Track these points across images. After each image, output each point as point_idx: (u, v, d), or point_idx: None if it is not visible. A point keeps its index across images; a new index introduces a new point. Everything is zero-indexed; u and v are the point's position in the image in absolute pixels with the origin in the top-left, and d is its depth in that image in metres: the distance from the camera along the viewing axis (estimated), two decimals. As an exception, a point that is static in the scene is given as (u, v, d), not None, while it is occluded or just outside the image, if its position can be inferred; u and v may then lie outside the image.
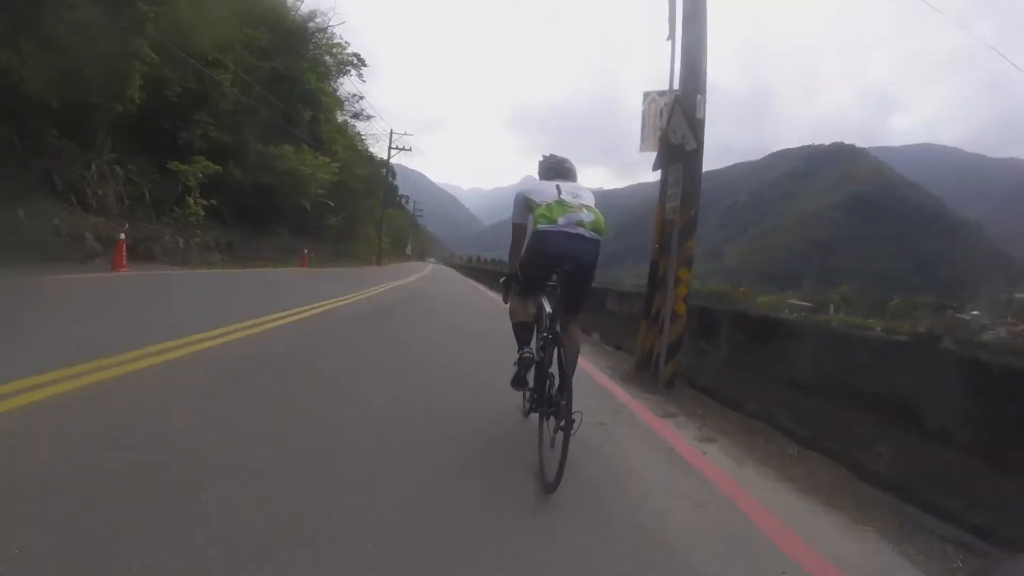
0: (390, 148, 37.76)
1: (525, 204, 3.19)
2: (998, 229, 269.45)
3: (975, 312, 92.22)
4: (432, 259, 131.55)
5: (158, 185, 16.81)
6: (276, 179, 21.33)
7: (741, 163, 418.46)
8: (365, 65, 37.88)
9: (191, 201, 16.20)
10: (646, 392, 5.46)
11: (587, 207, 2.97)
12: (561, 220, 2.88)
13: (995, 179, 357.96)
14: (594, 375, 6.18)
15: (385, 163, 39.03)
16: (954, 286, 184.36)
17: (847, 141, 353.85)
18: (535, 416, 3.08)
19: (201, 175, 16.71)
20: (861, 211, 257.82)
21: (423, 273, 33.26)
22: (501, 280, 3.71)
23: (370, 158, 41.54)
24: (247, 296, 9.91)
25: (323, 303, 9.16)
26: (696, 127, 5.77)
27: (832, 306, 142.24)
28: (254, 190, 21.23)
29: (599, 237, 2.93)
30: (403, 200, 54.49)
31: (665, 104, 6.71)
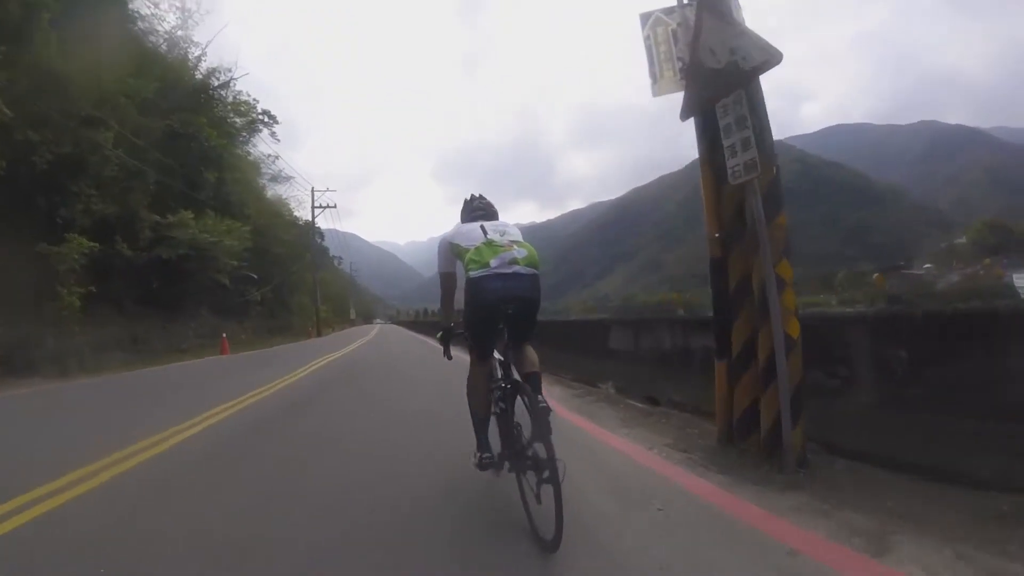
0: (313, 207, 34.96)
1: (451, 250, 3.04)
2: (921, 188, 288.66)
3: (927, 266, 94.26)
4: (379, 320, 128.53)
5: (37, 275, 13.46)
6: (176, 252, 18.03)
7: (665, 175, 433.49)
8: (276, 122, 35.31)
9: (63, 292, 12.85)
10: (767, 487, 3.20)
11: (517, 242, 2.84)
12: (493, 262, 2.71)
13: (908, 144, 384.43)
14: (645, 460, 3.97)
15: (310, 224, 35.99)
16: (892, 249, 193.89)
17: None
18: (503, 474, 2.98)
19: (77, 257, 13.43)
20: (788, 198, 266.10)
21: (368, 337, 30.16)
22: (438, 335, 3.44)
23: (294, 222, 38.56)
24: (107, 415, 6.97)
25: (217, 408, 6.34)
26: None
27: None
28: (153, 269, 17.98)
29: (536, 271, 2.81)
30: (337, 261, 51.07)
31: (678, 24, 4.58)
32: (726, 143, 3.87)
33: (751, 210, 3.74)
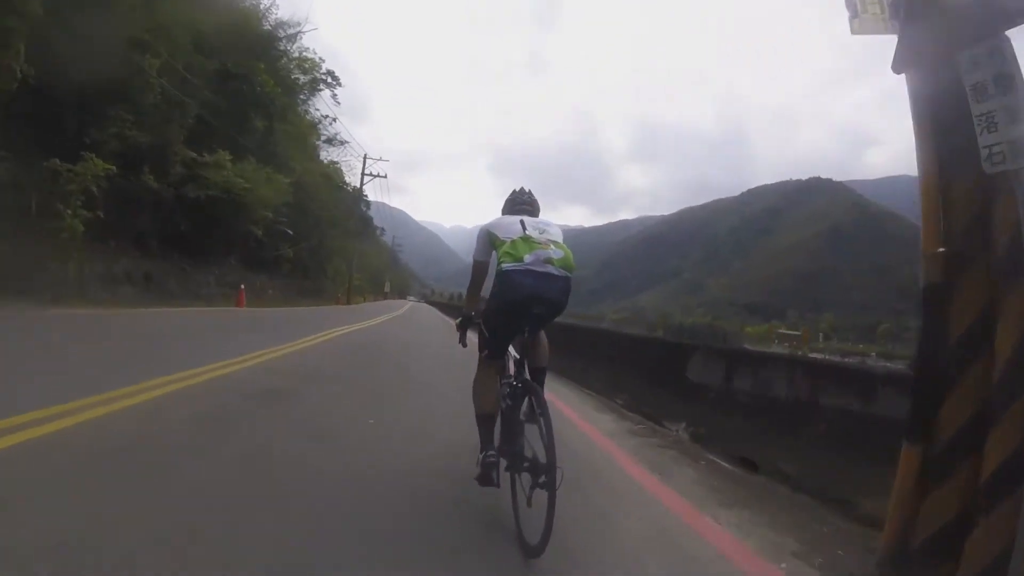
0: (363, 174, 33.87)
1: (488, 240, 2.91)
2: None
3: None
4: (412, 297, 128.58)
5: (51, 194, 12.46)
6: (206, 192, 16.91)
7: (719, 199, 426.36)
8: (339, 84, 34.56)
9: (67, 213, 11.74)
10: None
11: (555, 243, 2.72)
12: (528, 258, 2.62)
13: None
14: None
15: (358, 191, 34.93)
16: None
17: (823, 176, 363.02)
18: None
19: (91, 179, 12.32)
20: (841, 243, 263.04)
21: (397, 312, 29.02)
22: (457, 321, 3.31)
23: (342, 186, 37.68)
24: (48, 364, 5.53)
25: (167, 378, 4.77)
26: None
27: (821, 334, 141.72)
28: (180, 207, 16.91)
29: (569, 274, 2.70)
30: (380, 233, 49.86)
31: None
32: (977, 111, 2.23)
33: (1006, 216, 2.08)
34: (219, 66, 19.36)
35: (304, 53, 31.63)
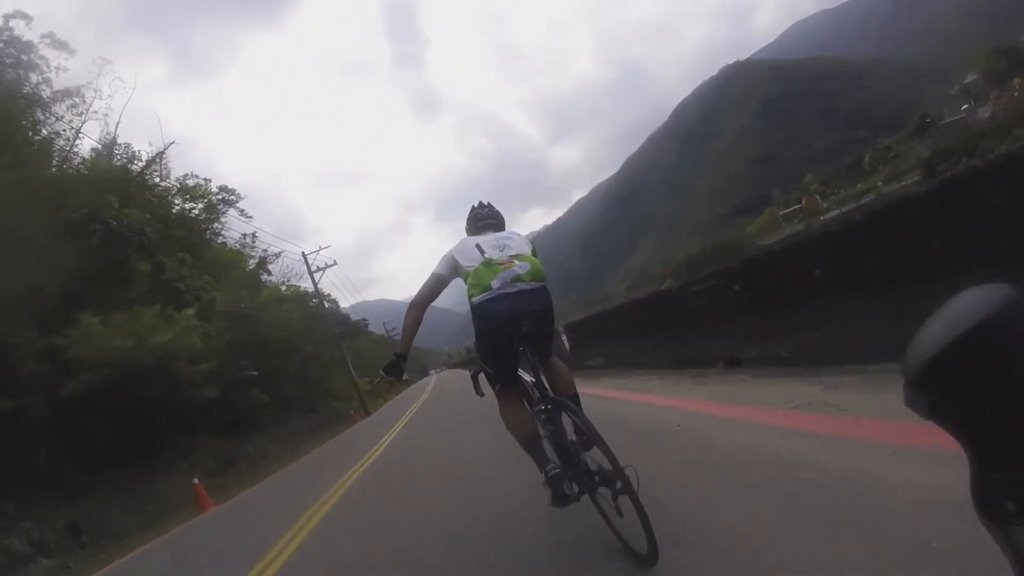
0: (311, 272, 28.77)
1: (452, 265, 2.81)
2: (899, 51, 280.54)
3: (965, 106, 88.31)
4: (433, 370, 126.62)
5: None
6: (91, 375, 11.54)
7: (651, 134, 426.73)
8: (238, 198, 29.74)
9: None
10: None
11: (518, 256, 2.65)
12: (495, 283, 2.54)
13: (870, 13, 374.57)
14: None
15: (315, 293, 29.73)
16: (897, 116, 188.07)
17: (729, 61, 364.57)
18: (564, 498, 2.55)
19: None
20: (778, 109, 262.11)
21: (422, 399, 23.75)
22: (471, 376, 3.12)
23: (300, 296, 32.63)
24: None
25: None
26: None
27: (817, 196, 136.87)
28: (73, 414, 11.59)
29: (543, 283, 2.64)
30: (365, 324, 44.48)
31: None
32: None
33: None
34: (59, 219, 14.40)
35: (184, 181, 27.07)
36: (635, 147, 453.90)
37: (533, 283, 2.55)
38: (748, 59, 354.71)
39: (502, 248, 2.67)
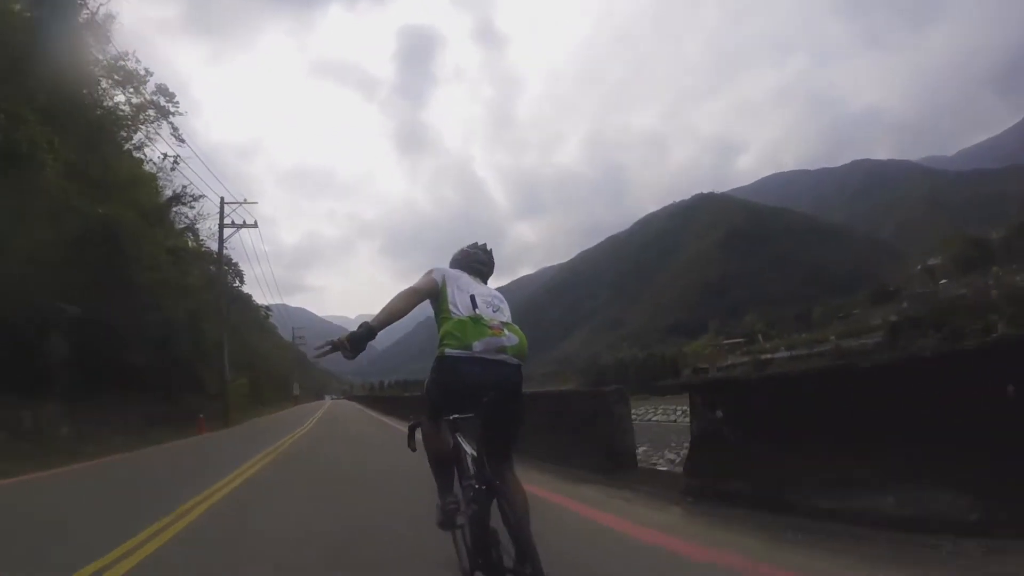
0: (221, 224, 22.70)
1: (435, 290, 2.51)
2: (864, 222, 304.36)
3: (943, 281, 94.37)
4: (331, 395, 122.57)
5: None
6: None
7: (612, 235, 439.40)
8: (174, 102, 23.98)
9: None
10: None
11: (508, 326, 2.40)
12: (477, 345, 2.27)
13: (844, 183, 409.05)
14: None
15: (218, 253, 23.49)
16: (848, 282, 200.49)
17: (705, 191, 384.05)
18: None
19: None
20: (739, 247, 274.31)
21: (303, 428, 18.04)
22: (408, 427, 2.75)
23: (199, 254, 26.43)
24: None
25: None
26: None
27: (760, 335, 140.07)
28: None
29: (522, 362, 2.41)
30: (266, 313, 36.99)
31: None
32: None
33: None
34: None
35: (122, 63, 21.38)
36: (593, 243, 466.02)
37: (515, 359, 2.36)
38: (724, 193, 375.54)
39: (495, 309, 2.47)
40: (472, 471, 2.32)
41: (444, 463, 2.52)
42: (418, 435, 2.67)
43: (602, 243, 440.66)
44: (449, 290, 2.47)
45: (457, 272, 2.62)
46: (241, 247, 49.17)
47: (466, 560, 2.45)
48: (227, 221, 23.85)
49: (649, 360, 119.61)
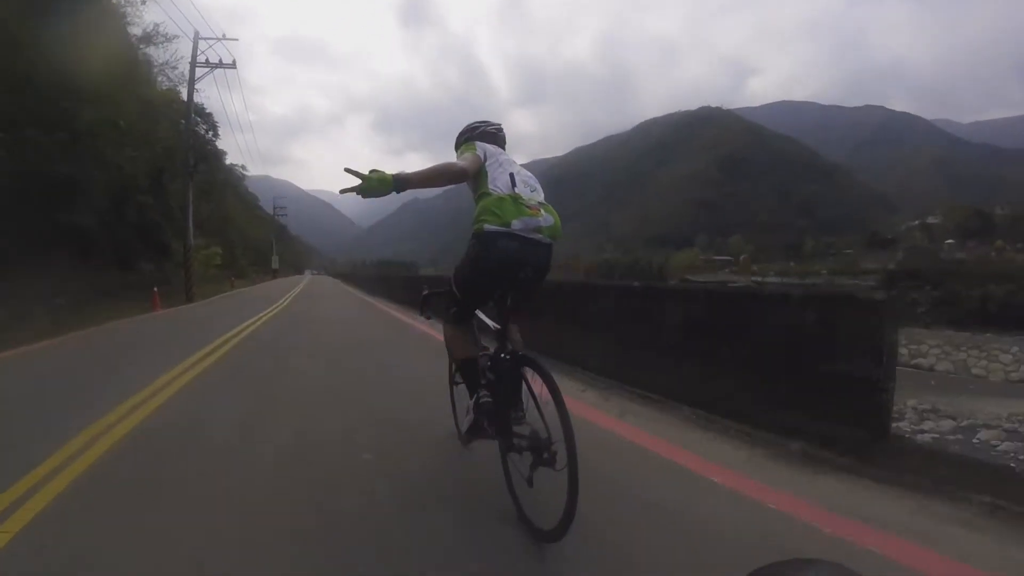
0: (193, 63, 19.15)
1: (478, 167, 2.41)
2: (865, 170, 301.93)
3: (949, 241, 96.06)
4: (311, 270, 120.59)
5: None
6: None
7: (611, 135, 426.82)
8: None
9: None
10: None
11: (544, 206, 2.38)
12: (516, 223, 2.26)
13: (854, 126, 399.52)
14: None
15: (188, 97, 19.97)
16: (840, 224, 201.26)
17: (712, 104, 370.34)
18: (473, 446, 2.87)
19: None
20: (738, 168, 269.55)
21: (277, 305, 16.18)
22: (423, 294, 3.12)
23: (168, 99, 23.00)
24: None
25: None
26: None
27: (742, 258, 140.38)
28: None
29: (553, 242, 2.39)
30: (239, 172, 33.53)
31: None
32: None
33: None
34: None
35: None
36: (590, 141, 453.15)
37: (549, 239, 2.36)
38: (730, 110, 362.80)
39: (532, 189, 2.43)
40: (493, 347, 2.46)
41: (469, 365, 2.55)
42: (441, 326, 2.70)
43: (599, 142, 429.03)
44: (489, 167, 2.42)
45: (495, 148, 2.56)
46: (223, 112, 44.72)
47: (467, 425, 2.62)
48: (202, 60, 20.32)
49: (636, 265, 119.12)
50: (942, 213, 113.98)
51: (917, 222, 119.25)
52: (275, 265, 63.19)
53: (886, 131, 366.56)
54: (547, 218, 2.32)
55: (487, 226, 2.23)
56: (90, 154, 15.96)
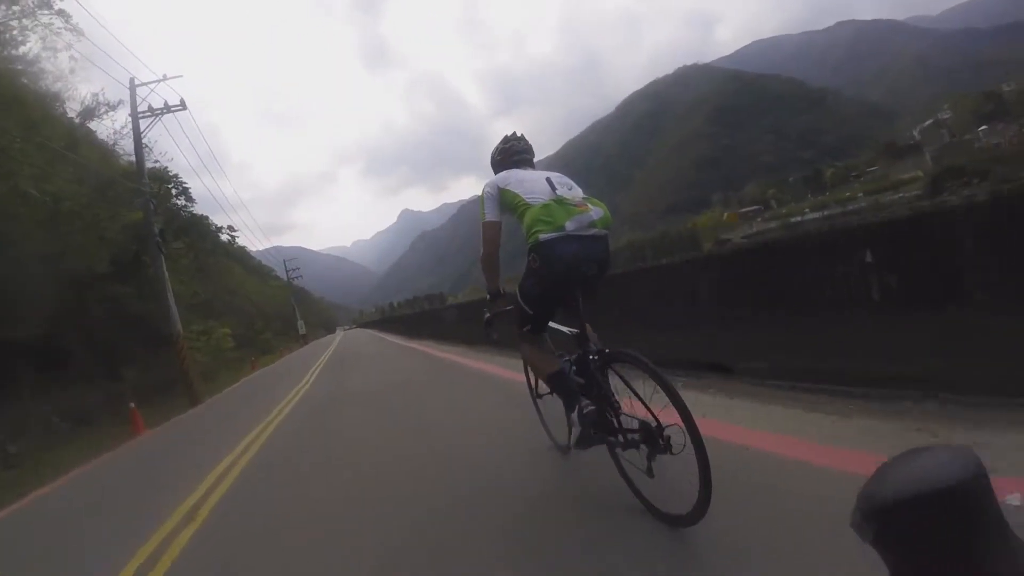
0: (135, 115, 15.04)
1: (502, 200, 2.49)
2: (852, 86, 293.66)
3: (983, 127, 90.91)
4: (343, 326, 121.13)
5: None
6: None
7: (597, 120, 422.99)
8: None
9: None
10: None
11: (589, 200, 2.38)
12: (569, 224, 2.24)
13: (830, 47, 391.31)
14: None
15: (136, 154, 15.76)
16: (843, 145, 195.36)
17: (688, 63, 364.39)
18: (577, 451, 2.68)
19: None
20: (729, 117, 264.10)
21: (305, 382, 12.20)
22: (486, 317, 2.98)
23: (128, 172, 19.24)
24: None
25: None
26: None
27: (773, 202, 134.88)
28: None
29: (608, 231, 2.39)
30: (230, 237, 29.72)
31: None
32: None
33: None
34: None
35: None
36: (577, 132, 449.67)
37: (603, 230, 2.34)
38: (708, 64, 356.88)
39: (570, 188, 2.45)
40: (581, 346, 2.38)
41: (559, 377, 2.44)
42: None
43: (586, 131, 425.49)
44: (511, 186, 2.43)
45: (510, 175, 2.52)
46: (223, 197, 42.00)
47: (577, 433, 2.46)
48: (145, 108, 16.29)
49: (663, 239, 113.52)
50: (951, 106, 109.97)
51: (930, 121, 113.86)
52: (302, 331, 59.33)
53: (863, 43, 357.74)
54: (596, 211, 2.29)
55: (542, 235, 2.21)
56: (15, 250, 11.83)
